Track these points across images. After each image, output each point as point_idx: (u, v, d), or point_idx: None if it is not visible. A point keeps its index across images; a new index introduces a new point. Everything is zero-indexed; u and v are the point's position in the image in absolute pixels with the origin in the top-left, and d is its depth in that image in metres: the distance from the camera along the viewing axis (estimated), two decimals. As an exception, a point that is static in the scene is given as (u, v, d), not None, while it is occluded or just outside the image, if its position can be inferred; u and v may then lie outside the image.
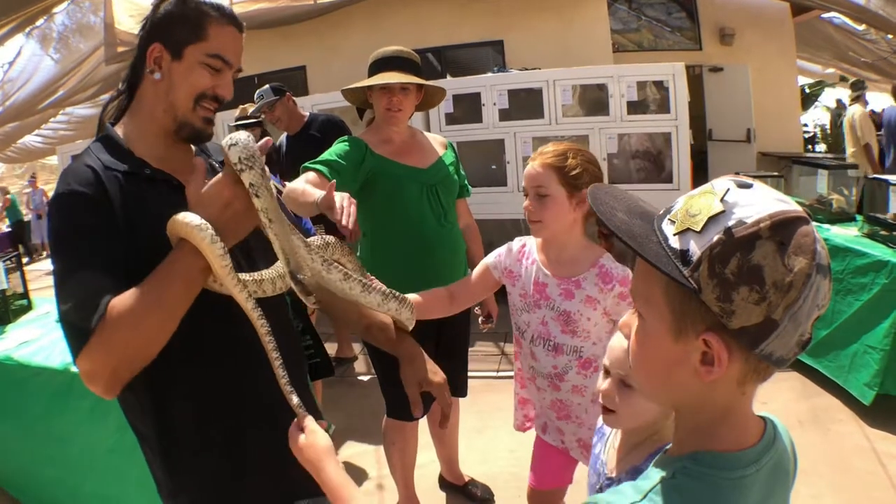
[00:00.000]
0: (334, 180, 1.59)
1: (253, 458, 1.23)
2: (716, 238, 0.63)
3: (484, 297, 2.20)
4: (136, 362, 1.05)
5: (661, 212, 0.72)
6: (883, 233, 3.33)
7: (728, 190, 0.66)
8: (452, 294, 1.85)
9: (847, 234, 3.51)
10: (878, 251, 3.17)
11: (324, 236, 1.30)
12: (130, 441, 1.29)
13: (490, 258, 1.90)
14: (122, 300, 1.03)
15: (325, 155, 2.12)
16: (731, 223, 0.63)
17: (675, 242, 0.66)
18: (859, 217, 3.69)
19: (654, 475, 0.71)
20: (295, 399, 1.08)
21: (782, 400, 3.31)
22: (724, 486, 0.67)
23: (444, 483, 2.80)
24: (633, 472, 1.20)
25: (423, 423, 2.52)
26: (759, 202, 0.64)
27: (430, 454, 2.75)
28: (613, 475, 1.24)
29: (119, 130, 1.22)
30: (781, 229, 0.62)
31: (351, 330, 1.51)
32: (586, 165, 1.71)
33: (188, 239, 1.03)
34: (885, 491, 2.55)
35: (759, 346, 0.63)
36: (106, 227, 1.09)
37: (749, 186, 0.66)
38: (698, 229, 0.64)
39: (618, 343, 1.22)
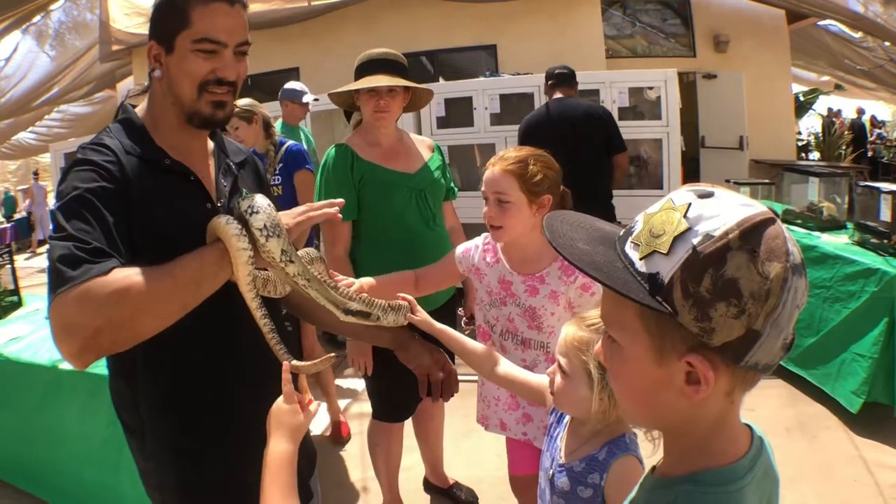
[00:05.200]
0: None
1: (242, 455, 1.23)
2: (685, 258, 0.61)
3: (447, 286, 2.20)
4: (122, 332, 0.95)
5: (622, 233, 0.70)
6: (873, 240, 3.33)
7: (690, 204, 0.63)
8: (418, 278, 1.90)
9: (837, 242, 3.51)
10: (869, 259, 3.17)
11: (308, 250, 1.31)
12: (121, 434, 1.29)
13: (459, 249, 1.93)
14: (135, 268, 0.97)
15: (319, 189, 2.22)
16: (697, 240, 0.60)
17: (642, 267, 0.64)
18: (850, 224, 3.69)
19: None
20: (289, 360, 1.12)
21: (769, 407, 3.30)
22: (728, 501, 0.67)
23: (428, 486, 2.79)
24: (590, 461, 1.23)
25: (407, 426, 2.51)
26: (723, 211, 0.62)
27: (415, 456, 2.74)
28: (565, 462, 1.26)
29: (139, 114, 1.22)
30: (750, 236, 0.60)
31: (347, 333, 1.57)
32: (546, 171, 1.72)
33: (218, 234, 1.06)
34: (873, 499, 2.55)
35: (743, 358, 0.62)
36: (119, 205, 1.06)
37: (710, 195, 0.64)
38: (665, 251, 0.62)
39: (564, 332, 1.28)
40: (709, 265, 0.60)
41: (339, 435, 3.28)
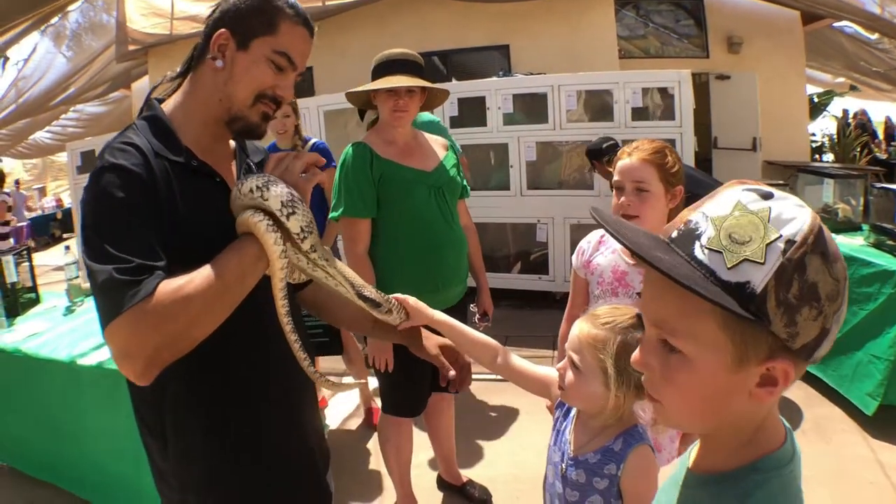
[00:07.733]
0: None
1: (272, 466, 1.24)
2: (777, 265, 0.60)
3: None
4: (181, 342, 0.97)
5: (675, 235, 0.67)
6: (889, 242, 3.31)
7: (769, 209, 0.62)
8: (575, 316, 1.92)
9: (853, 244, 3.50)
10: (884, 261, 3.15)
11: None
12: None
13: (574, 263, 1.95)
14: (182, 277, 0.97)
15: (339, 188, 2.22)
16: (784, 246, 0.60)
17: (730, 276, 0.61)
18: (865, 226, 3.67)
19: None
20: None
21: (785, 410, 3.29)
22: (790, 481, 0.69)
23: (442, 483, 2.80)
24: (605, 452, 1.23)
25: (420, 423, 2.52)
26: (795, 215, 0.62)
27: (428, 454, 2.75)
28: (577, 455, 1.27)
29: (165, 109, 1.19)
30: (819, 239, 0.61)
31: (358, 330, 1.57)
32: (679, 163, 1.75)
33: (250, 230, 1.06)
34: (889, 502, 2.54)
35: (813, 355, 0.63)
36: (152, 211, 1.04)
37: (772, 196, 0.64)
38: (760, 260, 0.60)
39: (578, 328, 1.28)
40: (795, 271, 0.60)
41: (371, 421, 3.32)
